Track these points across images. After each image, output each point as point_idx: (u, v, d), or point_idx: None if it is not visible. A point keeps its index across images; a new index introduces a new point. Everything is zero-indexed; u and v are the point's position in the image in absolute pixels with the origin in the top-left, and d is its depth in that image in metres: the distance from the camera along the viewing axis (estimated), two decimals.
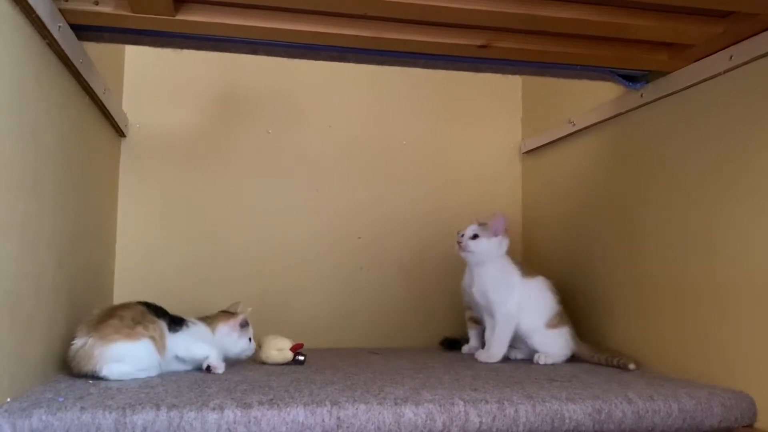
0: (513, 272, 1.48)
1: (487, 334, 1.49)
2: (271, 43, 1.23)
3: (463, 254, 1.48)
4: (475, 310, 1.57)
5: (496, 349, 1.44)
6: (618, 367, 1.34)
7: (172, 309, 1.30)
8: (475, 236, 1.46)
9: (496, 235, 1.47)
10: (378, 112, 1.89)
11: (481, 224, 1.49)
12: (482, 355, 1.45)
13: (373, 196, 1.86)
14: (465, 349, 1.63)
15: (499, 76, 1.45)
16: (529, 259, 1.91)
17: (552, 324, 1.45)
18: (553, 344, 1.44)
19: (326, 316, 1.78)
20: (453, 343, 1.68)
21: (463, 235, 1.48)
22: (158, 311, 1.21)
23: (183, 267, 1.70)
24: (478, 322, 1.61)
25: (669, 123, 1.34)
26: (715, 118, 1.21)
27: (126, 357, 1.10)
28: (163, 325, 1.19)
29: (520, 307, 1.44)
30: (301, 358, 1.37)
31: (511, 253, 1.89)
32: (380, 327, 1.79)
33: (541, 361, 1.42)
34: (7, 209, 0.90)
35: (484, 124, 1.97)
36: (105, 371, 1.07)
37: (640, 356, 1.36)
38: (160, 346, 1.15)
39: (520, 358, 1.48)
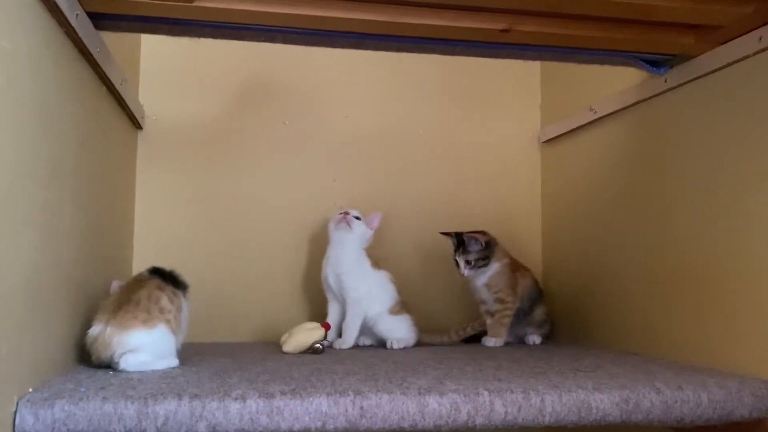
0: (366, 262, 1.59)
1: (330, 319, 1.57)
2: (289, 30, 1.22)
3: (342, 225, 1.56)
4: (328, 295, 1.60)
5: (348, 335, 1.52)
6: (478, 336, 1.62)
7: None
8: (357, 218, 1.58)
9: (370, 227, 1.61)
10: (394, 102, 1.88)
11: (360, 212, 1.61)
12: (337, 343, 1.51)
13: (390, 187, 1.84)
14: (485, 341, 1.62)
15: (517, 62, 1.42)
16: (549, 250, 1.89)
17: (394, 311, 1.57)
18: (399, 328, 1.56)
19: None
20: (472, 337, 1.67)
21: (348, 213, 1.58)
22: (174, 281, 1.22)
23: (200, 258, 1.70)
24: (494, 315, 1.62)
25: (695, 109, 1.30)
26: (743, 102, 1.18)
27: (144, 346, 1.09)
28: (182, 298, 1.20)
29: (368, 294, 1.55)
30: (319, 346, 1.37)
31: (529, 243, 1.90)
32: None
33: (395, 346, 1.52)
34: (28, 198, 0.90)
35: (502, 112, 1.94)
36: (122, 364, 1.07)
37: (667, 345, 1.34)
38: (176, 326, 1.15)
39: (369, 344, 1.58)
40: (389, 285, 1.60)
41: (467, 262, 1.60)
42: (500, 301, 1.60)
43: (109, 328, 1.08)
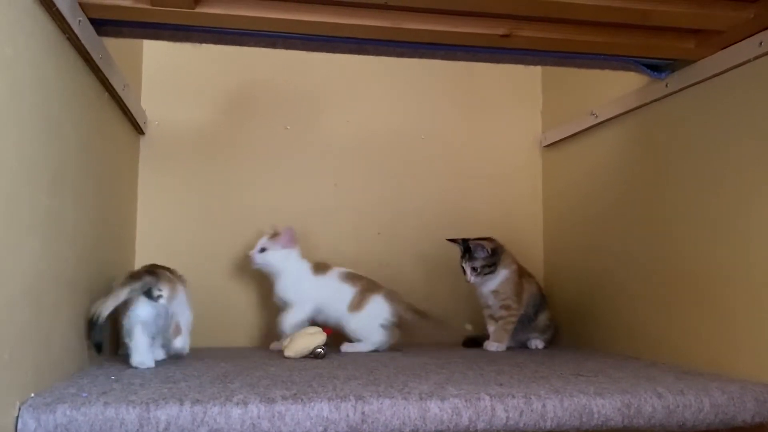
0: (305, 275, 1.57)
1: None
2: (290, 35, 1.22)
3: (253, 267, 1.58)
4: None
5: (285, 324, 1.52)
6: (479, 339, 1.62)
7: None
8: (263, 250, 1.56)
9: (285, 247, 1.56)
10: (396, 107, 1.88)
11: (273, 236, 1.57)
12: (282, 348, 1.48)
13: (392, 191, 1.85)
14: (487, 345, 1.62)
15: (518, 67, 1.43)
16: (551, 255, 1.89)
17: (354, 307, 1.54)
18: (364, 326, 1.53)
19: None
20: (474, 342, 1.66)
21: (251, 254, 1.57)
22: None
23: (202, 262, 1.70)
24: (497, 320, 1.62)
25: (695, 113, 1.31)
26: (744, 106, 1.18)
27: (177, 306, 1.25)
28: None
29: (320, 304, 1.54)
30: (321, 351, 1.37)
31: (531, 247, 1.90)
32: (401, 324, 1.77)
33: (342, 349, 1.51)
34: (30, 204, 0.90)
35: (504, 117, 1.94)
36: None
37: (668, 350, 1.34)
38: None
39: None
40: (339, 284, 1.57)
41: (473, 269, 1.59)
42: (506, 307, 1.60)
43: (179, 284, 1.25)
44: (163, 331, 1.24)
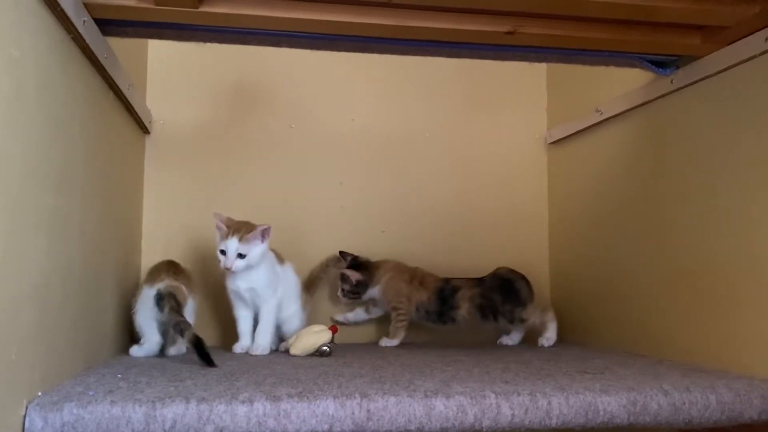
0: (275, 264, 1.50)
1: (245, 326, 1.48)
2: (294, 34, 1.22)
3: (232, 275, 1.43)
4: (237, 303, 1.48)
5: (264, 340, 1.45)
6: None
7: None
8: (240, 255, 1.39)
9: (263, 241, 1.42)
10: (401, 105, 1.88)
11: (241, 236, 1.39)
12: (257, 350, 1.42)
13: (396, 189, 1.85)
14: None
15: (523, 64, 1.42)
16: (557, 251, 1.89)
17: (303, 303, 1.58)
18: (295, 313, 1.55)
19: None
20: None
21: (226, 256, 1.39)
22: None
23: (208, 262, 1.70)
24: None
25: (701, 109, 1.30)
26: (749, 103, 1.17)
27: None
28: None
29: (281, 295, 1.50)
30: (326, 349, 1.37)
31: (536, 244, 1.90)
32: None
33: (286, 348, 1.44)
34: (36, 203, 0.90)
35: (509, 114, 1.94)
36: None
37: (675, 347, 1.34)
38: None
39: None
40: (295, 278, 1.58)
41: (342, 290, 1.67)
42: (395, 308, 1.65)
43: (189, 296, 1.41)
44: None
